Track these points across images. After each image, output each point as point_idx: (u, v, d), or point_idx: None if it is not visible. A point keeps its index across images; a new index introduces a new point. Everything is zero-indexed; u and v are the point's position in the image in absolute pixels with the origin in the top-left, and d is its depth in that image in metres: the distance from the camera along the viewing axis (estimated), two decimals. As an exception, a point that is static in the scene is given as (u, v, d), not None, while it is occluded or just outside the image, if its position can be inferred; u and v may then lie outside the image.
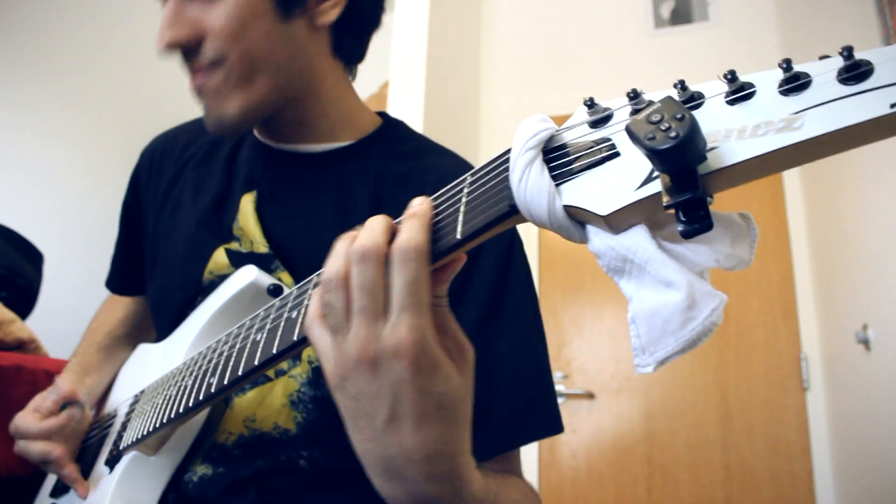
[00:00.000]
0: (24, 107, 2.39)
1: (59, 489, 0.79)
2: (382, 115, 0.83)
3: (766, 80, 0.30)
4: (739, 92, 0.30)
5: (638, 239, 0.32)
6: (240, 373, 0.53)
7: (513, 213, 0.36)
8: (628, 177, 0.32)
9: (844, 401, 2.12)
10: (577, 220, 0.35)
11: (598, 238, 0.34)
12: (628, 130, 0.29)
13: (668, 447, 2.44)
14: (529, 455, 2.57)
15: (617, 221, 0.32)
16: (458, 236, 0.38)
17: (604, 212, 0.32)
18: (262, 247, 0.73)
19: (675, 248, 0.32)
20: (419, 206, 0.41)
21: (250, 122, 0.71)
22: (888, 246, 1.70)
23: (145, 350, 0.86)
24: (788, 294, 2.47)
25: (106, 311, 0.97)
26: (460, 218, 0.39)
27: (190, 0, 0.66)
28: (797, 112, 0.27)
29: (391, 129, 0.81)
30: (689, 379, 2.49)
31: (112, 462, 0.71)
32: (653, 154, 0.28)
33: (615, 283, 0.34)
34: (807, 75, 0.28)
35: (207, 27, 0.66)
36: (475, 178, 0.40)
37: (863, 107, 0.26)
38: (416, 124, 2.28)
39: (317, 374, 0.69)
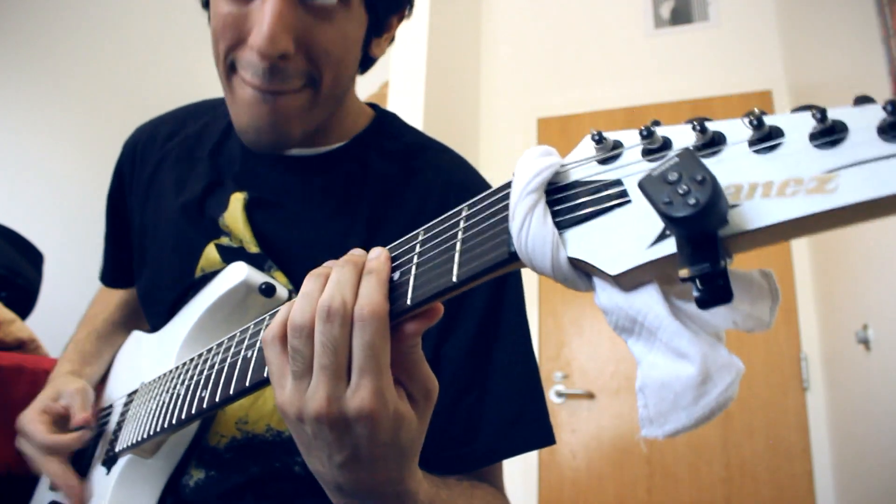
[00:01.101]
0: (24, 107, 2.39)
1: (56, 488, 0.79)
2: (374, 107, 0.81)
3: (797, 125, 0.26)
4: (767, 140, 0.26)
5: (649, 301, 0.29)
6: (231, 392, 0.52)
7: (513, 259, 0.34)
8: (640, 231, 0.29)
9: (844, 401, 2.12)
10: (584, 270, 0.32)
11: (606, 294, 0.31)
12: (642, 188, 0.26)
13: (668, 447, 2.44)
14: (529, 455, 2.57)
15: (627, 281, 0.30)
16: (454, 279, 0.36)
17: (613, 271, 0.29)
18: (252, 247, 0.72)
19: (690, 308, 0.30)
20: (376, 259, 0.40)
21: (298, 142, 0.68)
22: (888, 246, 1.70)
23: (138, 339, 0.85)
24: (788, 294, 2.46)
25: (103, 299, 0.96)
26: (456, 258, 0.36)
27: (301, 8, 0.59)
28: (831, 171, 0.24)
29: (385, 125, 0.79)
30: (689, 379, 2.49)
31: (109, 462, 0.71)
32: (669, 221, 0.26)
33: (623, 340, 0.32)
34: (843, 126, 0.25)
35: (318, 44, 0.61)
36: (472, 211, 0.38)
37: None
38: (416, 124, 2.27)
39: None
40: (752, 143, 0.27)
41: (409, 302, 0.38)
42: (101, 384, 0.87)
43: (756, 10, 2.81)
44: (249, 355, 0.52)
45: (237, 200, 0.73)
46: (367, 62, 0.74)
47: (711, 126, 0.28)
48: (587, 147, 0.33)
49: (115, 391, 0.82)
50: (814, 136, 0.25)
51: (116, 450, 0.70)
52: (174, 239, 0.77)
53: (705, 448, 2.40)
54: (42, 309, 1.70)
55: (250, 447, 0.68)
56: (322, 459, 0.41)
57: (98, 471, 0.72)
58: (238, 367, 0.53)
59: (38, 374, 1.07)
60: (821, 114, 0.25)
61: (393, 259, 0.41)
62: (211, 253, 0.74)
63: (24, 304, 1.61)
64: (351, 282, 0.39)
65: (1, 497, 0.93)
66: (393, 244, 0.43)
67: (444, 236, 0.39)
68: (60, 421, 0.76)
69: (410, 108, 2.31)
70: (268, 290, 0.66)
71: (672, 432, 0.30)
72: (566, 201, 0.32)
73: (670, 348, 0.29)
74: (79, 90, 2.59)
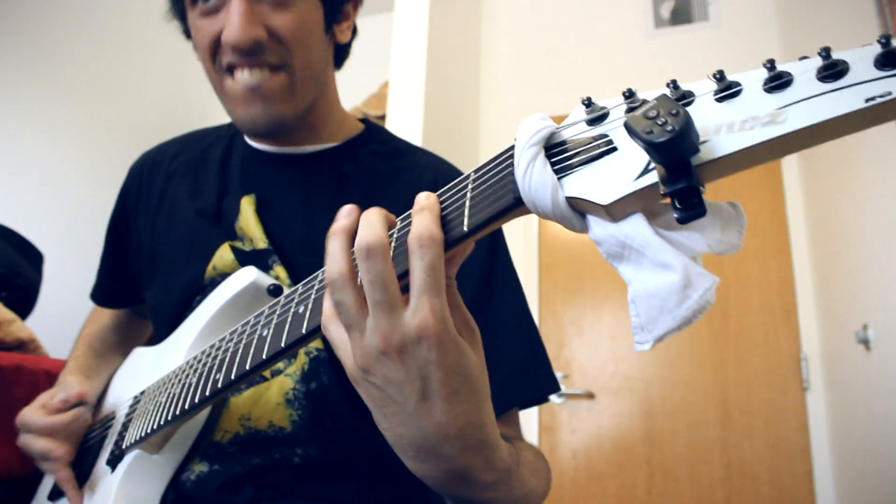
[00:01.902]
0: (24, 107, 2.39)
1: (58, 492, 0.79)
2: (364, 121, 0.90)
3: (752, 78, 0.32)
4: (727, 90, 0.32)
5: (636, 226, 0.34)
6: (247, 367, 0.53)
7: (518, 205, 0.38)
8: (626, 169, 0.34)
9: (844, 401, 2.12)
10: (579, 210, 0.36)
11: (599, 226, 0.36)
12: (627, 126, 0.31)
13: (668, 447, 2.44)
14: (529, 455, 2.58)
15: (616, 210, 0.34)
16: (465, 228, 0.40)
17: (604, 201, 0.34)
18: (261, 243, 0.76)
19: (671, 234, 0.34)
20: (427, 199, 0.42)
21: (295, 123, 0.75)
22: (888, 246, 1.70)
23: (141, 353, 0.86)
24: (788, 294, 2.46)
25: (96, 320, 0.99)
26: (466, 211, 0.40)
27: (259, 1, 0.69)
28: (781, 107, 0.30)
29: (374, 133, 0.87)
30: (689, 379, 2.49)
31: (114, 462, 0.71)
32: (650, 147, 0.30)
33: (615, 271, 0.36)
34: (789, 74, 0.30)
35: (278, 30, 0.69)
36: (479, 174, 0.42)
37: (840, 102, 0.28)
38: (416, 124, 2.28)
39: (311, 368, 0.71)
40: (716, 94, 0.32)
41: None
42: (99, 399, 0.87)
43: (756, 10, 2.81)
44: (265, 333, 0.53)
45: (248, 204, 0.78)
46: (339, 53, 0.84)
47: (683, 85, 0.34)
48: (578, 111, 0.38)
49: (117, 399, 0.82)
50: (766, 84, 0.31)
51: (124, 446, 0.70)
52: (189, 240, 0.80)
53: (705, 448, 2.40)
54: (42, 309, 1.70)
55: (253, 441, 0.70)
56: (399, 414, 0.41)
57: (102, 471, 0.72)
58: (254, 345, 0.54)
59: (37, 374, 1.07)
60: (770, 64, 0.31)
61: (404, 219, 0.44)
62: (225, 253, 0.77)
63: (24, 304, 1.61)
64: (381, 223, 0.41)
65: (1, 498, 0.93)
66: (404, 214, 0.45)
67: (454, 197, 0.42)
68: (58, 414, 0.77)
69: (410, 108, 2.31)
70: (275, 292, 0.68)
71: (661, 335, 0.34)
72: (561, 154, 0.38)
73: (656, 263, 0.34)
74: (79, 91, 2.59)
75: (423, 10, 2.43)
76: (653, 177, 0.32)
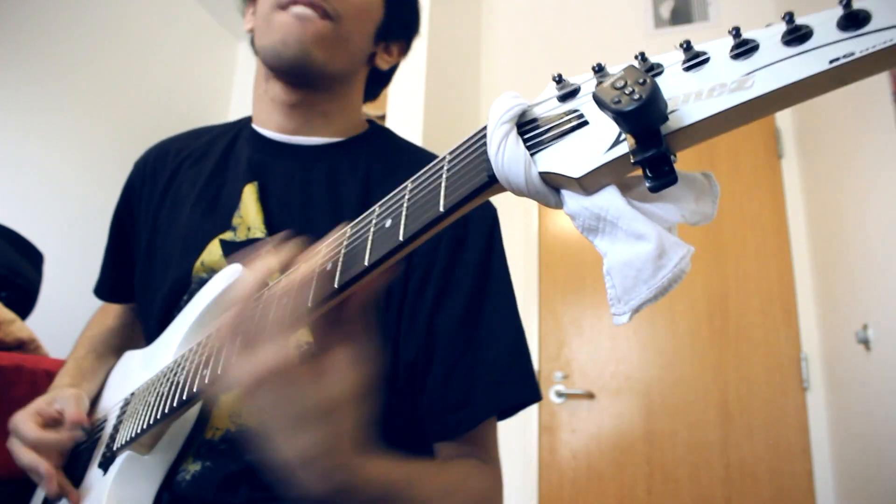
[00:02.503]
0: (24, 107, 2.39)
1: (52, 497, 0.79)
2: (369, 121, 0.92)
3: (719, 47, 0.32)
4: (694, 59, 0.32)
5: (610, 198, 0.34)
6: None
7: (492, 182, 0.38)
8: (597, 142, 0.34)
9: (844, 401, 2.12)
10: (553, 186, 0.37)
11: (573, 200, 0.36)
12: (595, 97, 0.31)
13: (668, 447, 2.44)
14: (529, 455, 2.57)
15: (589, 183, 0.35)
16: (441, 209, 0.40)
17: (577, 174, 0.34)
18: (258, 232, 0.76)
19: (644, 206, 0.35)
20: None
21: (316, 76, 0.79)
22: (888, 246, 1.70)
23: (131, 356, 0.86)
24: (788, 294, 2.46)
25: (99, 321, 0.98)
26: (442, 192, 0.41)
27: None
28: (748, 73, 0.30)
29: (378, 132, 0.90)
30: (689, 379, 2.49)
31: (105, 464, 0.71)
32: (619, 116, 0.30)
33: (591, 242, 0.36)
34: (754, 41, 0.31)
35: None
36: (454, 156, 0.42)
37: (805, 65, 0.28)
38: (416, 124, 2.28)
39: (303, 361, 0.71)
40: (683, 63, 0.33)
41: (400, 238, 0.42)
42: (93, 402, 0.87)
43: (756, 10, 2.81)
44: None
45: (250, 192, 0.79)
46: (373, 81, 0.91)
47: (651, 57, 0.34)
48: (549, 89, 0.39)
49: (108, 403, 0.82)
50: (732, 51, 0.31)
51: (115, 447, 0.70)
52: (184, 235, 0.81)
53: (705, 448, 2.40)
54: (42, 309, 1.70)
55: (244, 439, 0.70)
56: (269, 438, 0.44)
57: (94, 474, 0.72)
58: None
59: (37, 374, 1.07)
60: (736, 31, 0.31)
61: (384, 205, 0.46)
62: (213, 247, 0.77)
63: (24, 304, 1.61)
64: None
65: (1, 499, 0.93)
66: (385, 198, 0.46)
67: (429, 179, 0.43)
68: (53, 424, 0.76)
69: (410, 108, 2.31)
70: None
71: (637, 306, 0.34)
72: (533, 131, 0.38)
73: (630, 233, 0.34)
74: (79, 91, 2.59)
75: (424, 11, 2.43)
76: (623, 148, 0.33)
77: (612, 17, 3.04)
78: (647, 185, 0.32)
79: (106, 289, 0.98)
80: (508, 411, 0.72)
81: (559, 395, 2.59)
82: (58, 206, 2.46)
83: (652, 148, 0.31)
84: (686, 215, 0.34)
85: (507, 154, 0.36)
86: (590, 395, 2.57)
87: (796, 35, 0.29)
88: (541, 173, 0.36)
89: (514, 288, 0.79)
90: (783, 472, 2.30)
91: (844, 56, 0.27)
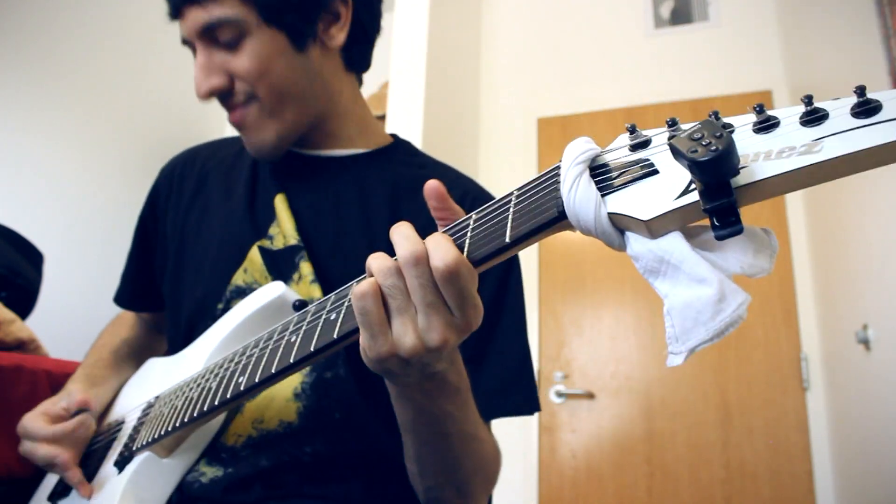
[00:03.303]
0: (24, 107, 2.39)
1: (58, 493, 0.79)
2: (393, 135, 0.92)
3: (789, 113, 0.34)
4: (765, 122, 0.34)
5: (674, 243, 0.36)
6: (273, 370, 0.54)
7: (560, 218, 0.40)
8: (667, 189, 0.36)
9: (844, 401, 2.12)
10: (619, 227, 0.39)
11: (638, 243, 0.38)
12: (671, 146, 0.33)
13: (668, 447, 2.44)
14: (529, 455, 2.57)
15: (656, 227, 0.36)
16: (507, 240, 0.42)
17: (645, 217, 0.36)
18: (292, 239, 0.77)
19: (706, 254, 0.36)
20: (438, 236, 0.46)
21: (286, 144, 0.79)
22: (888, 246, 1.70)
23: (154, 363, 0.86)
24: (788, 294, 2.46)
25: (112, 332, 0.98)
26: (509, 224, 0.43)
27: (216, 50, 0.74)
28: (817, 139, 0.32)
29: (403, 145, 0.91)
30: (689, 379, 2.49)
31: (122, 463, 0.71)
32: (694, 165, 0.32)
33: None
34: (824, 111, 0.32)
35: (236, 71, 0.74)
36: (522, 191, 0.45)
37: (874, 134, 0.30)
38: (416, 124, 2.28)
39: (330, 357, 0.72)
40: (755, 126, 0.34)
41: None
42: (107, 408, 0.87)
43: (756, 10, 2.81)
44: (294, 339, 0.55)
45: (282, 202, 0.80)
46: (351, 55, 0.82)
47: (723, 118, 0.36)
48: (622, 138, 0.41)
49: (127, 407, 0.82)
50: (803, 118, 0.33)
51: (135, 448, 0.70)
52: (218, 242, 0.81)
53: (705, 448, 2.40)
54: (42, 309, 1.70)
55: (264, 443, 0.71)
56: (414, 383, 0.49)
57: (109, 471, 0.72)
58: (281, 350, 0.55)
59: (37, 374, 1.06)
60: (808, 100, 0.33)
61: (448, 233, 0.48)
62: (254, 255, 0.78)
63: (24, 304, 1.61)
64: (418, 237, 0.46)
65: (1, 499, 0.93)
66: (446, 228, 0.48)
67: (496, 212, 0.45)
68: (61, 420, 0.77)
69: (410, 108, 2.31)
70: (300, 307, 0.69)
71: (694, 346, 0.35)
72: (604, 175, 0.40)
73: (692, 277, 0.35)
74: (79, 90, 2.59)
75: (423, 10, 2.43)
76: (693, 196, 0.34)
77: (612, 17, 3.04)
78: (714, 233, 0.34)
79: (127, 297, 0.97)
80: (503, 415, 0.75)
81: (559, 395, 2.59)
82: (58, 206, 2.46)
83: (722, 198, 0.33)
84: (744, 267, 0.36)
85: (579, 192, 0.38)
86: (590, 395, 2.57)
87: (866, 108, 0.31)
88: (609, 214, 0.38)
89: None
90: (783, 472, 2.30)
91: None
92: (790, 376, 2.38)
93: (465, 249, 0.44)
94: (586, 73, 3.00)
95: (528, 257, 2.80)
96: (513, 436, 2.55)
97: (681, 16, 2.93)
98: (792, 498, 2.26)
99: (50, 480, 0.84)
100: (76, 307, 2.13)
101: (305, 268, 0.75)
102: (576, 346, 2.66)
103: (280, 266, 0.76)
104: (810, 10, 2.36)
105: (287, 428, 0.71)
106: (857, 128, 0.31)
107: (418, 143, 2.18)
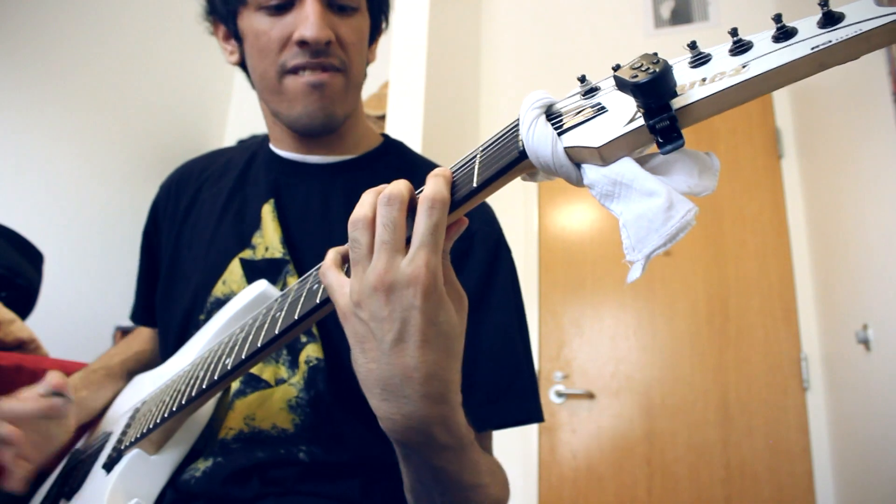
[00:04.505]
0: (24, 107, 2.39)
1: (52, 496, 0.78)
2: (383, 135, 0.93)
3: (719, 48, 0.38)
4: (699, 57, 0.38)
5: (626, 165, 0.39)
6: (259, 344, 0.55)
7: (522, 158, 0.43)
8: (616, 120, 0.39)
9: (844, 401, 2.12)
10: (575, 161, 0.41)
11: (592, 171, 0.40)
12: (615, 78, 0.37)
13: (668, 447, 2.44)
14: (529, 455, 2.57)
15: (608, 153, 0.39)
16: (475, 184, 0.44)
17: (597, 144, 0.39)
18: (277, 252, 0.77)
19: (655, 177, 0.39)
20: (441, 170, 0.47)
21: (340, 125, 0.81)
22: (888, 246, 1.70)
23: (141, 378, 0.86)
24: (788, 294, 2.46)
25: (127, 343, 0.99)
26: (476, 170, 0.46)
27: (329, 10, 0.76)
28: (744, 64, 0.35)
29: (393, 147, 0.91)
30: (689, 379, 2.49)
31: (110, 465, 0.70)
32: (636, 87, 0.35)
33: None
34: (749, 41, 0.37)
35: (343, 37, 0.77)
36: (486, 145, 0.47)
37: (791, 52, 0.34)
38: (416, 124, 2.27)
39: (311, 375, 0.72)
40: (690, 61, 0.38)
41: None
42: (97, 419, 0.86)
43: (756, 10, 2.81)
44: (277, 315, 0.55)
45: (268, 211, 0.80)
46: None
47: (664, 58, 0.38)
48: (574, 89, 0.44)
49: (114, 419, 0.82)
50: (731, 49, 0.37)
51: (123, 447, 0.70)
52: (205, 254, 0.82)
53: (705, 448, 2.40)
54: (42, 309, 1.70)
55: (256, 439, 0.71)
56: (373, 350, 0.44)
57: (97, 474, 0.72)
58: (266, 326, 0.56)
59: (37, 374, 1.06)
60: (734, 32, 0.37)
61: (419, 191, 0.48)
62: (234, 267, 0.78)
63: (24, 304, 1.61)
64: (407, 185, 0.46)
65: (1, 499, 0.93)
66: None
67: (464, 165, 0.48)
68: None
69: (410, 108, 2.31)
70: None
71: (649, 252, 0.38)
72: (559, 119, 0.43)
73: (643, 191, 0.38)
74: (79, 91, 2.59)
75: (423, 10, 2.43)
76: (640, 121, 0.37)
77: (612, 17, 3.04)
78: (660, 150, 0.37)
79: (141, 312, 0.98)
80: (497, 428, 0.71)
81: (559, 395, 2.59)
82: (58, 206, 2.46)
83: (663, 113, 0.36)
84: (691, 185, 0.38)
85: (536, 132, 0.41)
86: (590, 395, 2.57)
87: (783, 32, 0.35)
88: (565, 148, 0.41)
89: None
90: (783, 472, 2.30)
91: (823, 44, 0.33)
92: (790, 376, 2.38)
93: None
94: (586, 73, 2.99)
95: (528, 257, 2.80)
96: (513, 435, 2.55)
97: (681, 16, 2.93)
98: (792, 498, 2.26)
99: (43, 489, 0.83)
100: (76, 307, 2.13)
101: (292, 282, 0.73)
102: (576, 346, 2.66)
103: (262, 276, 0.76)
104: (810, 11, 2.35)
105: (281, 433, 0.71)
106: (777, 50, 0.35)
107: (418, 143, 2.18)
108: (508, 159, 0.44)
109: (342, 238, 0.47)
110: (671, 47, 3.03)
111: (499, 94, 3.12)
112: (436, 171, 0.47)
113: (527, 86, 3.08)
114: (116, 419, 0.80)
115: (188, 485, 0.69)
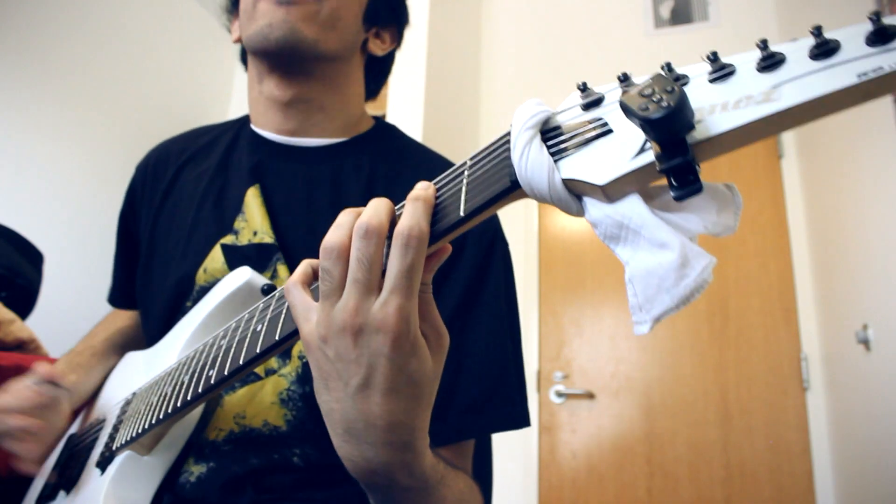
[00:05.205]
0: (24, 106, 2.39)
1: (46, 496, 0.78)
2: (376, 118, 0.89)
3: (745, 60, 0.32)
4: (721, 71, 0.32)
5: (633, 206, 0.34)
6: (241, 362, 0.53)
7: (514, 188, 0.38)
8: (622, 149, 0.34)
9: (844, 401, 2.12)
10: (575, 193, 0.36)
11: (595, 208, 0.36)
12: (622, 104, 0.31)
13: (668, 447, 2.44)
14: (529, 455, 2.57)
15: (613, 191, 0.34)
16: (461, 213, 0.40)
17: (601, 181, 0.34)
18: (267, 237, 0.75)
19: (667, 215, 0.34)
20: (424, 190, 0.42)
21: (308, 55, 0.76)
22: (888, 246, 1.70)
23: (133, 357, 0.85)
24: (788, 294, 2.46)
25: (108, 320, 0.97)
26: (462, 196, 0.40)
27: None
28: (774, 86, 0.30)
29: (383, 131, 0.87)
30: (689, 379, 2.49)
31: (104, 464, 0.70)
32: (646, 123, 0.30)
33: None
34: (781, 54, 0.31)
35: None
36: (475, 160, 0.42)
37: (833, 78, 0.28)
38: (416, 124, 2.28)
39: (306, 371, 0.70)
40: (710, 75, 0.33)
41: None
42: (92, 401, 0.86)
43: (756, 10, 2.81)
44: (259, 328, 0.53)
45: (254, 196, 0.78)
46: (373, 73, 0.89)
47: (677, 69, 0.34)
48: (573, 97, 0.38)
49: (108, 404, 0.82)
50: (759, 64, 0.31)
51: (115, 447, 0.69)
52: (185, 242, 0.79)
53: (705, 448, 2.40)
54: (42, 309, 1.70)
55: (248, 440, 0.69)
56: (338, 390, 0.42)
57: (92, 473, 0.72)
58: (248, 339, 0.54)
59: (37, 374, 1.06)
60: (763, 44, 0.31)
61: (400, 209, 0.44)
62: (216, 254, 0.76)
63: (24, 304, 1.61)
64: (386, 211, 0.42)
65: (1, 498, 0.93)
66: (400, 204, 0.45)
67: (450, 184, 0.42)
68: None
69: (410, 108, 2.31)
70: (269, 291, 0.68)
71: (658, 315, 0.33)
72: (557, 138, 0.37)
73: (653, 242, 0.33)
74: (79, 91, 2.59)
75: (423, 10, 2.43)
76: (649, 156, 0.32)
77: (612, 17, 3.04)
78: (672, 194, 0.32)
79: (118, 296, 0.96)
80: (481, 434, 0.69)
81: (559, 395, 2.59)
82: (58, 206, 2.46)
83: (678, 156, 0.31)
84: (708, 226, 0.34)
85: (530, 159, 0.36)
86: (590, 395, 2.57)
87: (824, 49, 0.29)
88: (564, 180, 0.36)
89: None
90: (783, 472, 2.30)
91: (873, 70, 0.27)
92: (790, 376, 2.38)
93: None
94: (586, 73, 3.00)
95: (528, 257, 2.80)
96: (513, 435, 2.55)
97: (681, 16, 2.93)
98: (792, 498, 2.26)
99: (39, 483, 0.83)
100: (76, 307, 2.13)
101: (283, 271, 0.73)
102: (576, 346, 2.66)
103: (246, 262, 0.73)
104: (810, 10, 2.36)
105: (274, 431, 0.69)
106: (816, 71, 0.29)
107: (418, 143, 2.19)
108: (499, 188, 0.39)
109: (326, 225, 0.44)
110: (671, 47, 3.04)
111: (499, 93, 3.12)
112: (417, 190, 0.42)
113: (527, 86, 3.08)
114: (110, 407, 0.80)
115: (184, 489, 0.69)
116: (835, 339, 2.19)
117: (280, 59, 0.77)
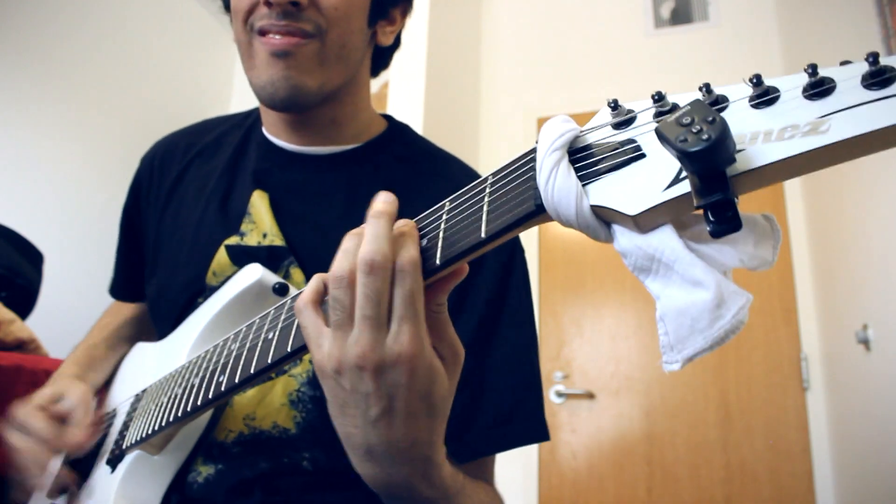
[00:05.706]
0: (24, 106, 2.39)
1: (56, 491, 0.78)
2: (387, 118, 0.86)
3: (791, 84, 0.30)
4: (765, 96, 0.30)
5: (665, 238, 0.32)
6: (252, 371, 0.53)
7: (539, 212, 0.36)
8: (655, 177, 0.32)
9: (844, 401, 2.12)
10: (604, 219, 0.35)
11: (625, 237, 0.34)
12: (658, 133, 0.29)
13: (668, 447, 2.44)
14: (529, 455, 2.57)
15: (644, 221, 0.33)
16: (483, 235, 0.38)
17: (632, 212, 0.32)
18: (277, 239, 0.74)
19: (701, 248, 0.32)
20: (405, 225, 0.43)
21: (317, 101, 0.72)
22: (888, 246, 1.70)
23: (143, 349, 0.86)
24: (788, 294, 2.46)
25: (115, 310, 0.97)
26: (484, 217, 0.39)
27: None
28: (823, 116, 0.27)
29: (397, 134, 0.84)
30: (689, 379, 2.49)
31: (114, 462, 0.70)
32: (684, 156, 0.28)
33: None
34: (831, 80, 0.28)
35: (321, 1, 0.68)
36: (497, 178, 0.40)
37: (890, 111, 0.26)
38: (417, 124, 2.28)
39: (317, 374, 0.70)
40: (752, 100, 0.30)
41: (437, 262, 0.40)
42: (103, 392, 0.87)
43: (756, 10, 2.81)
44: (271, 336, 0.52)
45: (261, 198, 0.76)
46: (378, 59, 0.82)
47: (716, 89, 0.32)
48: (604, 114, 0.36)
49: (119, 398, 0.82)
50: (806, 90, 0.29)
51: (125, 446, 0.69)
52: (191, 242, 0.79)
53: (705, 448, 2.40)
54: (42, 309, 1.70)
55: (257, 442, 0.69)
56: (356, 417, 0.42)
57: (102, 471, 0.72)
58: (259, 348, 0.53)
59: (37, 374, 1.07)
60: (812, 69, 0.29)
61: (420, 228, 0.44)
62: (221, 255, 0.75)
63: (24, 304, 1.61)
64: (388, 236, 0.41)
65: (1, 498, 0.93)
66: (419, 216, 0.44)
67: (470, 201, 0.41)
68: (59, 422, 0.75)
69: (410, 108, 2.31)
70: (281, 290, 0.68)
71: (691, 356, 0.33)
72: (586, 160, 0.35)
73: (686, 279, 0.31)
74: (79, 90, 2.59)
75: (423, 10, 2.43)
76: (684, 187, 0.30)
77: (612, 17, 3.04)
78: (708, 228, 0.30)
79: (120, 288, 0.96)
80: (503, 450, 0.70)
81: (559, 395, 2.59)
82: (58, 206, 2.46)
83: (717, 192, 0.28)
84: (744, 259, 0.32)
85: (557, 184, 0.35)
86: (590, 395, 2.57)
87: (880, 78, 0.27)
88: (593, 206, 0.34)
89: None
90: (783, 472, 2.30)
91: None
92: (790, 376, 2.38)
93: (439, 245, 0.41)
94: (586, 73, 3.00)
95: (529, 257, 2.79)
96: (513, 436, 2.55)
97: (681, 16, 2.93)
98: (792, 498, 2.26)
99: (47, 480, 0.83)
100: (76, 307, 2.12)
101: (298, 275, 0.72)
102: (576, 346, 2.66)
103: (266, 261, 0.72)
104: (810, 10, 2.36)
105: (283, 434, 0.69)
106: (869, 102, 0.26)
107: (418, 143, 2.19)
108: (522, 211, 0.37)
109: (339, 233, 0.44)
110: (671, 47, 3.04)
111: (499, 93, 3.12)
112: (400, 227, 0.42)
113: (527, 86, 3.08)
114: (119, 399, 0.80)
115: (192, 489, 0.69)
116: (835, 339, 2.19)
117: (289, 110, 0.74)
